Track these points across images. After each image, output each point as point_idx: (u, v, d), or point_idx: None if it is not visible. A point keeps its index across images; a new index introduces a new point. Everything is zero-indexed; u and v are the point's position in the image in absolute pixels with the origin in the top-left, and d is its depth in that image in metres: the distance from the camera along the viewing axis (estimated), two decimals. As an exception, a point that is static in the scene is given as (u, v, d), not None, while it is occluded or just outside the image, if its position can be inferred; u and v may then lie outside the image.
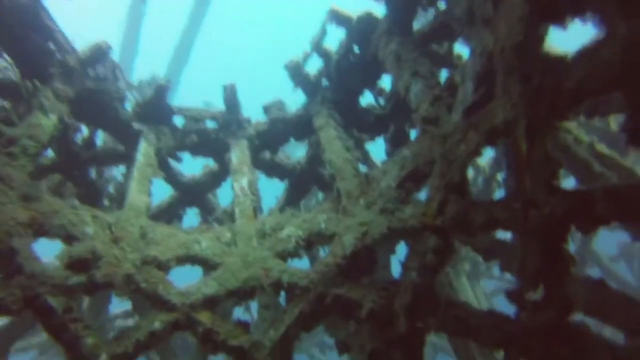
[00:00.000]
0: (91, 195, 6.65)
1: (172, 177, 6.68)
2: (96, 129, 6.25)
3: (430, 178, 4.29)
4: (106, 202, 7.19)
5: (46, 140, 4.66)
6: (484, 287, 12.64)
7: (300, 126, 6.51)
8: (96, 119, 5.89)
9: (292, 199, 7.35)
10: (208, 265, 4.78)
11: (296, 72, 6.33)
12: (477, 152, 3.91)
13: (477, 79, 4.15)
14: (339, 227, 4.69)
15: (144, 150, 5.77)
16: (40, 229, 4.19)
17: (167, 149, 6.05)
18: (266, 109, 6.72)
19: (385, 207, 4.50)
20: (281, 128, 6.52)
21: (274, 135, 6.59)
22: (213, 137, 6.41)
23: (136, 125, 6.01)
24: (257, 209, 5.41)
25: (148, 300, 4.34)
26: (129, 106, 6.25)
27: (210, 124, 6.55)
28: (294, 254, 4.79)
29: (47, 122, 4.82)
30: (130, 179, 5.40)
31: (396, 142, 7.04)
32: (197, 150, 6.46)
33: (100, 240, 4.45)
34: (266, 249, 4.78)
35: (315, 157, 6.98)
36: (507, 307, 3.98)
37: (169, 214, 7.13)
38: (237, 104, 6.44)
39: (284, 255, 4.78)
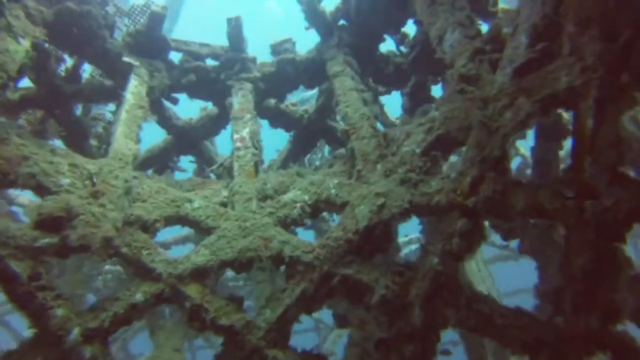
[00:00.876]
0: (76, 135, 6.00)
1: (165, 120, 6.00)
2: (81, 60, 5.50)
3: (465, 149, 3.64)
4: (94, 143, 6.55)
5: (14, 70, 3.95)
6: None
7: (312, 71, 5.76)
8: (79, 48, 5.14)
9: (297, 153, 6.72)
10: (200, 229, 4.22)
11: (310, 8, 5.50)
12: (526, 123, 3.26)
13: (534, 32, 3.42)
14: (352, 196, 4.10)
15: (134, 89, 5.06)
16: (4, 179, 3.60)
17: (161, 89, 5.34)
18: (274, 49, 5.94)
19: (407, 177, 3.88)
20: (290, 71, 5.77)
21: (282, 80, 5.85)
22: (213, 77, 5.68)
23: (126, 59, 5.27)
24: (258, 165, 4.79)
25: (130, 267, 3.82)
26: (119, 35, 5.48)
27: (210, 63, 5.80)
28: (299, 222, 4.24)
29: (17, 48, 4.09)
30: (117, 121, 4.73)
31: (415, 97, 6.33)
32: (194, 91, 5.75)
33: (77, 195, 3.86)
34: (267, 214, 4.21)
35: (326, 108, 6.29)
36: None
37: (160, 161, 6.52)
38: (243, 40, 5.66)
39: (286, 223, 4.22)
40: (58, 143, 6.17)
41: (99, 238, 3.60)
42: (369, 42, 5.65)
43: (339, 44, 5.51)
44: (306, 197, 4.31)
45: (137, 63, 5.30)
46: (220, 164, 5.21)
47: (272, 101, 6.21)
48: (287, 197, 4.33)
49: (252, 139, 4.91)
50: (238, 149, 4.81)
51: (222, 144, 6.91)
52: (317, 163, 7.16)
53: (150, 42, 5.39)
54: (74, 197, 3.80)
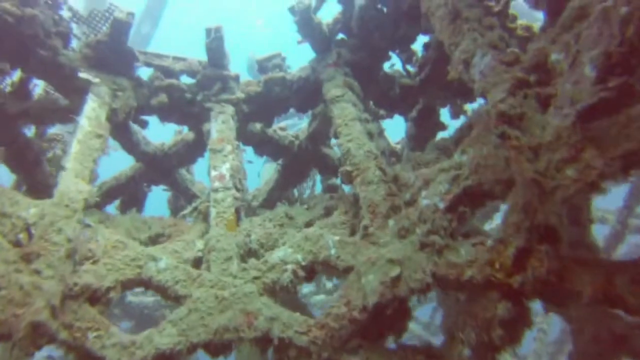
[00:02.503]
0: (25, 161, 5.07)
1: (132, 146, 5.10)
2: (28, 74, 4.58)
3: (508, 210, 2.85)
4: (50, 169, 5.61)
5: None
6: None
7: (305, 92, 4.93)
8: (21, 60, 4.22)
9: (285, 183, 5.87)
10: (167, 296, 3.35)
11: (305, 19, 4.67)
12: (597, 187, 2.47)
13: (605, 62, 2.64)
14: (358, 260, 3.27)
15: (92, 112, 4.16)
16: None
17: (126, 111, 4.45)
18: (260, 64, 5.09)
19: (428, 241, 3.07)
20: (279, 92, 4.93)
21: (269, 102, 5.00)
22: (189, 98, 4.79)
23: (83, 75, 4.37)
24: (240, 212, 3.94)
25: (72, 355, 2.93)
26: (76, 45, 4.59)
27: (186, 80, 4.92)
28: (290, 289, 3.39)
29: None
30: (67, 154, 3.84)
31: (423, 123, 5.55)
32: (167, 114, 4.86)
33: (1, 258, 2.96)
34: (250, 279, 3.37)
35: (320, 134, 5.45)
36: None
37: (127, 191, 5.60)
38: (224, 54, 4.80)
39: (274, 290, 3.38)
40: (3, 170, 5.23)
41: (25, 323, 2.70)
42: (372, 60, 4.84)
43: (338, 62, 4.69)
44: (299, 257, 3.47)
45: (96, 80, 4.40)
46: (194, 207, 4.35)
47: (258, 126, 5.35)
48: (275, 257, 3.49)
49: (232, 177, 4.05)
50: (216, 190, 3.94)
51: (201, 169, 6.02)
52: (308, 192, 6.33)
53: (114, 54, 4.49)
54: (-3, 262, 2.91)
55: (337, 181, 5.90)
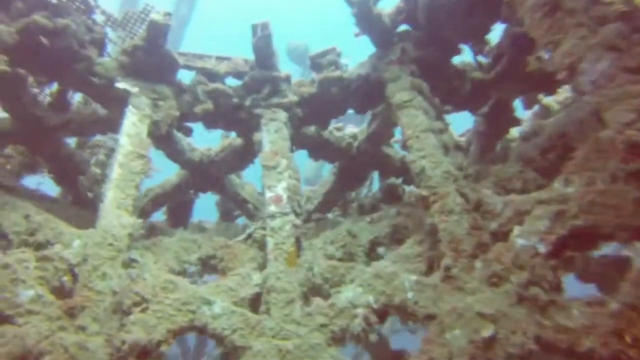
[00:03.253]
0: (69, 172, 4.81)
1: (176, 154, 4.73)
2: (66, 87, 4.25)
3: (635, 269, 2.30)
4: (96, 171, 5.35)
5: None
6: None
7: (365, 92, 4.39)
8: (56, 72, 3.87)
9: (342, 187, 5.40)
10: (224, 346, 3.01)
11: (364, 10, 4.08)
12: None
13: None
14: (440, 307, 2.82)
15: (132, 128, 3.80)
16: None
17: (168, 123, 4.06)
18: (314, 61, 4.56)
19: (527, 294, 2.57)
20: (336, 93, 4.41)
21: (325, 104, 4.50)
22: (236, 103, 4.35)
23: (120, 85, 3.99)
24: (301, 240, 3.53)
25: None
26: (113, 53, 4.20)
27: (232, 82, 4.47)
28: (361, 338, 2.98)
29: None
30: (109, 180, 3.50)
31: (496, 119, 4.92)
32: (212, 121, 4.45)
33: (44, 315, 2.68)
34: (316, 327, 2.97)
35: (381, 135, 4.92)
36: None
37: (174, 198, 5.28)
38: (273, 53, 4.30)
39: (342, 339, 2.98)
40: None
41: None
42: (441, 54, 4.23)
43: (402, 59, 4.11)
44: (370, 299, 3.05)
45: (135, 89, 4.02)
46: (249, 235, 3.97)
47: (312, 127, 4.87)
48: (343, 299, 3.07)
49: (290, 199, 3.61)
50: (272, 216, 3.52)
51: (250, 171, 5.60)
52: (365, 191, 5.83)
53: (152, 59, 4.07)
54: (38, 320, 2.63)
55: (395, 182, 5.38)
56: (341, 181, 5.32)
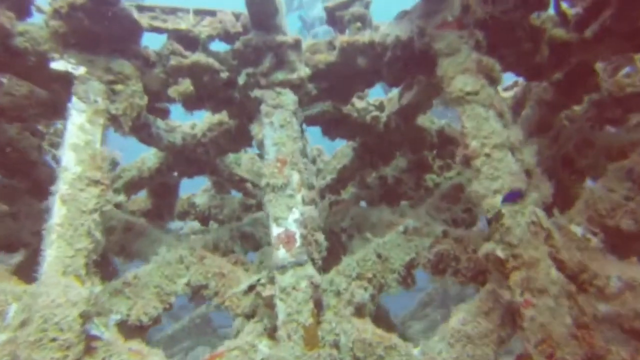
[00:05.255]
0: (14, 161, 3.71)
1: (152, 141, 3.58)
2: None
3: None
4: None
5: None
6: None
7: (403, 62, 3.14)
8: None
9: (362, 164, 4.31)
10: None
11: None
12: None
13: None
14: None
15: (78, 135, 2.65)
16: None
17: (132, 117, 2.89)
18: (329, 13, 3.25)
19: None
20: (364, 64, 3.16)
21: (347, 77, 3.27)
22: (226, 79, 3.13)
23: (57, 65, 2.77)
24: (322, 303, 2.58)
25: None
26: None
27: (218, 51, 3.20)
28: None
29: None
30: (48, 227, 2.44)
31: (571, 87, 3.71)
32: (193, 103, 3.24)
33: None
34: None
35: (416, 107, 3.74)
36: None
37: (154, 182, 4.21)
38: (275, 9, 2.98)
39: None
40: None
41: None
42: (520, 11, 2.92)
43: (464, 19, 2.83)
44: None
45: (80, 70, 2.79)
46: (251, 285, 2.91)
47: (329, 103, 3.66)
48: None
49: (306, 239, 2.59)
50: (283, 268, 2.52)
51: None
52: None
53: (101, 23, 2.79)
54: None
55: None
56: (361, 159, 4.22)
